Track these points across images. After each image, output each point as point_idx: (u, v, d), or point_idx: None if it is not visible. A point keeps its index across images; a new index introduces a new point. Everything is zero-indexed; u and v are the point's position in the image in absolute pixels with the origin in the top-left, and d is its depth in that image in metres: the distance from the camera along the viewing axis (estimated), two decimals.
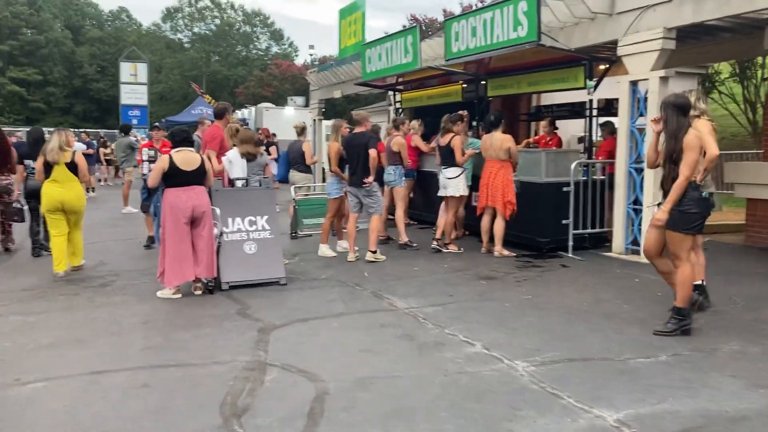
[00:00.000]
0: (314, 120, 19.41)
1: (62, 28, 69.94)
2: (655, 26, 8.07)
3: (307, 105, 27.49)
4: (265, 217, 7.22)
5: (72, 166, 7.72)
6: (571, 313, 5.85)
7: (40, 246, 9.02)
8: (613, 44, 8.82)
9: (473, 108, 11.08)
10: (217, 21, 74.63)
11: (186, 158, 6.54)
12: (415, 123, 11.11)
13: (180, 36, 74.52)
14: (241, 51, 75.29)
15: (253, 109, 27.71)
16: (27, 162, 8.90)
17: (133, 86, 39.06)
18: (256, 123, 26.31)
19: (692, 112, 5.51)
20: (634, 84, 8.51)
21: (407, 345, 5.02)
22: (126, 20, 80.00)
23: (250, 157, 8.27)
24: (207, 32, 74.07)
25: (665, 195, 5.21)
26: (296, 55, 74.55)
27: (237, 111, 29.06)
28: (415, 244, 9.53)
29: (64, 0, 74.02)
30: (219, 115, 8.68)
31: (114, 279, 7.54)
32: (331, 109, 29.29)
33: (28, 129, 24.03)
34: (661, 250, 5.31)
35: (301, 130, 10.51)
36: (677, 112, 5.08)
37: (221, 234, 6.87)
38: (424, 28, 32.57)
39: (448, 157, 8.99)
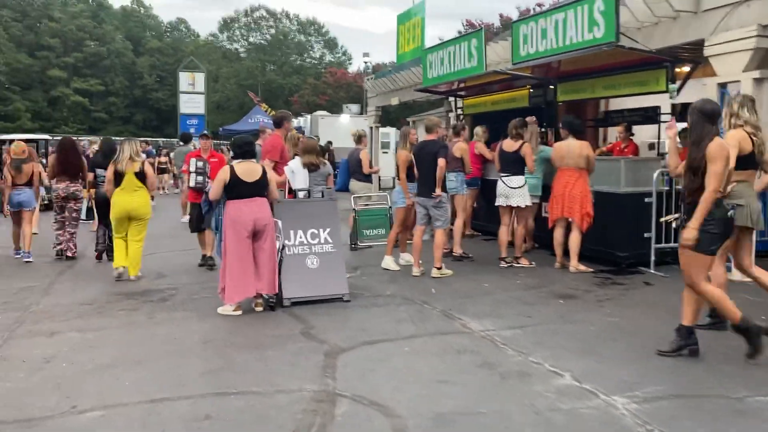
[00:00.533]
0: (371, 127, 19.13)
1: (123, 40, 71.92)
2: (749, 23, 7.42)
3: (362, 112, 27.33)
4: (328, 230, 6.88)
5: (140, 175, 7.98)
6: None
7: (104, 249, 9.18)
8: (697, 45, 8.19)
9: (540, 113, 10.55)
10: (272, 31, 75.58)
11: (248, 169, 6.25)
12: (479, 129, 10.63)
13: (236, 46, 75.75)
14: (295, 60, 76.05)
15: (308, 117, 27.66)
16: (98, 171, 9.09)
17: (191, 95, 39.69)
18: (312, 131, 26.23)
19: (734, 120, 5.19)
20: (722, 86, 7.86)
21: (488, 375, 4.56)
22: (184, 31, 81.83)
23: (312, 167, 7.98)
24: (262, 42, 75.08)
25: (686, 209, 4.72)
26: (350, 63, 74.88)
27: (293, 119, 29.05)
28: (470, 256, 9.06)
29: (125, 12, 76.20)
30: (278, 123, 8.41)
31: (173, 293, 7.32)
32: (385, 117, 29.04)
33: (90, 138, 24.38)
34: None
35: (359, 138, 10.17)
36: (703, 118, 4.63)
37: (283, 247, 6.56)
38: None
39: (512, 165, 8.50)
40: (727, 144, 4.73)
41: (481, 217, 11.11)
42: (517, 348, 5.10)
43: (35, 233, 9.98)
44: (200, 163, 8.51)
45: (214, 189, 6.27)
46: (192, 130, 38.76)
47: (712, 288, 4.74)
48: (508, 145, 8.57)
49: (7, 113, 60.95)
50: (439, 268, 7.86)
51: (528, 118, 9.08)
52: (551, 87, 10.76)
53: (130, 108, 69.23)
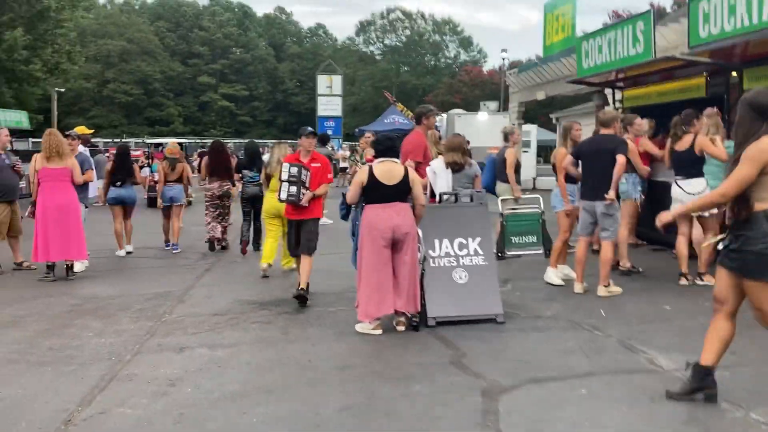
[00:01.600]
0: (513, 125, 18.00)
1: (266, 46, 74.88)
2: None
3: (501, 109, 26.16)
4: (478, 240, 6.02)
5: None
6: None
7: (247, 241, 9.90)
8: None
9: (720, 104, 9.04)
10: (408, 32, 75.74)
11: (388, 170, 5.53)
12: (645, 123, 9.30)
13: (372, 48, 76.65)
14: (429, 60, 75.78)
15: (444, 115, 26.85)
16: (244, 171, 9.93)
17: (329, 98, 40.18)
18: (448, 130, 25.41)
19: None
20: None
21: None
22: (323, 36, 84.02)
23: (456, 167, 7.16)
24: (397, 43, 75.43)
25: (734, 224, 3.72)
26: (485, 62, 73.59)
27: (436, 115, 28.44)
28: (640, 270, 7.85)
29: (268, 19, 79.37)
30: (419, 119, 7.65)
31: (309, 302, 6.77)
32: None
33: (236, 141, 25.16)
34: (736, 304, 3.82)
35: (507, 135, 9.18)
36: (752, 113, 3.66)
37: (425, 259, 5.78)
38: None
39: (688, 166, 7.21)
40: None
41: (646, 224, 9.74)
42: (731, 399, 3.97)
43: (181, 226, 10.65)
44: (294, 170, 6.64)
45: (351, 191, 5.61)
46: (329, 132, 39.34)
47: None
48: (680, 142, 7.30)
49: (162, 117, 65.27)
50: (607, 286, 6.76)
51: (707, 110, 7.71)
52: (734, 74, 9.21)
53: (272, 112, 71.93)
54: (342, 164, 22.68)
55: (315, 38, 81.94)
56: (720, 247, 3.91)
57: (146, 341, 5.54)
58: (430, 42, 75.82)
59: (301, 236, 6.69)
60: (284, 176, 6.59)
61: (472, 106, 37.63)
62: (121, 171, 9.93)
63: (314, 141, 7.02)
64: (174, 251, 10.09)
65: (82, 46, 60.67)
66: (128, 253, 9.97)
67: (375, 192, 5.48)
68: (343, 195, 5.75)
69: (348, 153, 20.43)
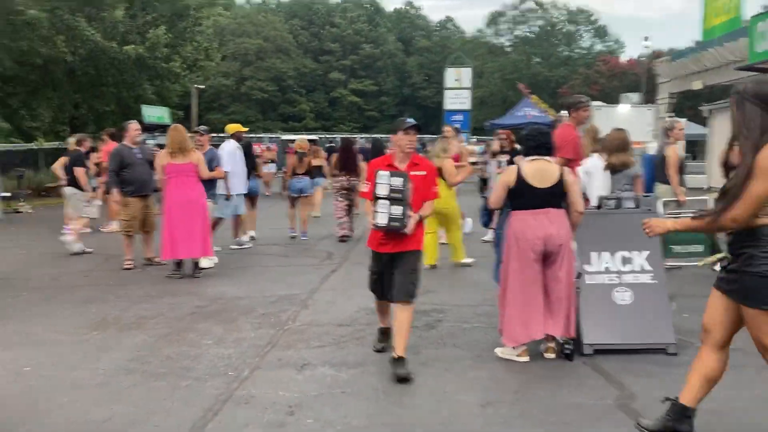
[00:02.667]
0: (673, 118, 16.36)
1: (395, 41, 75.12)
2: None
3: (646, 102, 24.22)
4: (646, 253, 5.07)
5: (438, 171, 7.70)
6: None
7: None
8: None
9: None
10: (540, 22, 73.32)
11: (540, 170, 4.72)
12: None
13: (502, 40, 74.80)
14: (562, 51, 72.94)
15: None
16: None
17: (457, 91, 39.38)
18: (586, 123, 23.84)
19: None
20: None
21: None
22: (452, 29, 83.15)
23: (617, 168, 6.20)
24: (529, 34, 73.21)
25: (730, 245, 3.14)
26: (621, 52, 69.56)
27: (562, 111, 26.97)
28: None
29: (398, 14, 79.63)
30: (568, 110, 6.73)
31: (441, 317, 6.10)
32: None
33: (363, 136, 25.36)
34: (728, 335, 3.29)
35: (666, 131, 8.02)
36: (758, 107, 2.97)
37: (580, 275, 4.92)
38: None
39: None
40: None
41: None
42: None
43: (317, 216, 12.25)
44: (398, 181, 4.49)
45: (495, 194, 4.84)
46: (457, 126, 38.50)
47: None
48: None
49: (294, 113, 67.17)
50: None
51: None
52: None
53: (399, 106, 72.08)
54: (471, 159, 21.84)
55: (444, 31, 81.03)
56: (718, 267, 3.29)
57: (266, 353, 5.11)
58: (563, 32, 72.76)
59: (395, 276, 4.61)
60: (382, 191, 4.47)
61: (609, 98, 35.39)
62: (246, 165, 10.43)
63: (416, 138, 4.73)
64: (302, 238, 10.92)
65: (221, 45, 63.75)
66: (252, 238, 10.71)
67: (524, 196, 4.69)
68: (485, 198, 5.00)
69: (477, 149, 19.50)
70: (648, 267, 5.04)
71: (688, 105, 34.09)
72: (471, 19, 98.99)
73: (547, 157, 4.76)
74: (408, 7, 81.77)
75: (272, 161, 20.19)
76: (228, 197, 9.28)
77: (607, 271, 5.05)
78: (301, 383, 4.45)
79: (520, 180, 4.67)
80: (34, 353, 5.10)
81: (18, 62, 18.76)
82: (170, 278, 8.00)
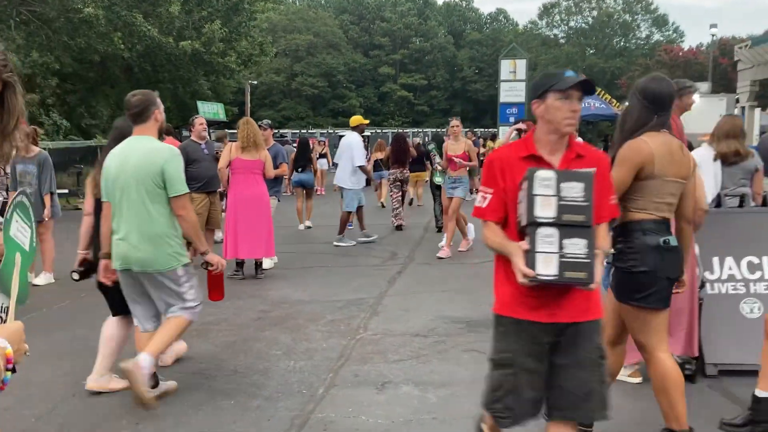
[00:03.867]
0: (743, 108, 15.32)
1: (446, 34, 74.32)
2: None
3: (714, 91, 22.99)
4: None
5: None
6: None
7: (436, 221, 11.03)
8: None
9: None
10: (595, 12, 71.43)
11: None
12: None
13: (556, 32, 73.22)
14: (618, 41, 70.93)
15: None
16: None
17: (512, 83, 38.55)
18: None
19: None
20: None
21: None
22: (503, 21, 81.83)
23: (733, 159, 5.47)
24: (584, 25, 71.43)
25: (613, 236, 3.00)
26: (681, 41, 67.10)
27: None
28: None
29: (448, 7, 78.77)
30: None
31: None
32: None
33: (413, 130, 25.16)
34: (616, 332, 3.24)
35: None
36: (643, 102, 3.09)
37: (702, 285, 4.26)
38: None
39: None
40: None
41: None
42: None
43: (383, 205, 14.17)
44: (574, 189, 2.39)
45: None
46: (511, 120, 37.65)
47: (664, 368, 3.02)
48: None
49: (344, 109, 67.05)
50: None
51: None
52: None
53: (450, 100, 71.22)
54: None
55: (495, 24, 79.69)
56: None
57: (341, 368, 4.62)
58: (619, 22, 70.63)
59: (567, 373, 2.50)
60: (545, 210, 2.38)
61: None
62: (302, 159, 11.52)
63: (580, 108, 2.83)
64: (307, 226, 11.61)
65: (273, 41, 64.14)
66: (308, 227, 11.49)
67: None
68: None
69: None
70: None
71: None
72: (523, 11, 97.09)
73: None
74: (458, 0, 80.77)
75: (322, 155, 19.90)
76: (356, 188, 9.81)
77: (732, 279, 4.38)
78: (384, 406, 3.94)
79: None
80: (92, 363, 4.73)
81: (76, 60, 18.85)
82: (232, 279, 7.61)
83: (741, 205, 4.52)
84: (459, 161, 8.80)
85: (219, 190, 8.30)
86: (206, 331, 5.55)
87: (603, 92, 22.25)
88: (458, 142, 9.06)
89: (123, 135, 3.97)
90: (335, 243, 9.80)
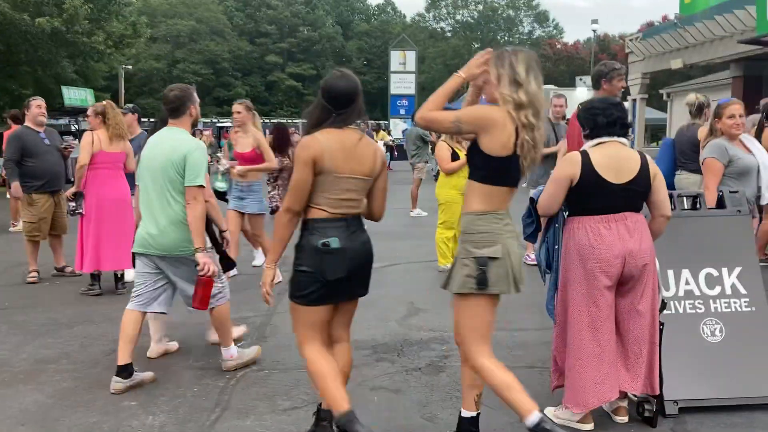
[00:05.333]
0: (633, 100, 15.37)
1: (334, 24, 73.39)
2: None
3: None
4: (737, 270, 3.74)
5: None
6: None
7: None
8: None
9: None
10: (480, 7, 72.96)
11: (615, 158, 3.27)
12: None
13: (442, 25, 74.09)
14: (503, 36, 72.87)
15: None
16: None
17: (402, 75, 38.51)
18: None
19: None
20: None
21: None
22: (391, 13, 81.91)
23: None
24: (470, 19, 72.76)
25: None
26: (561, 37, 69.75)
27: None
28: None
29: None
30: (597, 82, 5.33)
31: (447, 351, 4.66)
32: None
33: (303, 121, 24.43)
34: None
35: (699, 108, 6.75)
36: (321, 101, 3.10)
37: (665, 305, 3.52)
38: None
39: None
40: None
41: None
42: None
43: None
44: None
45: (550, 194, 3.37)
46: (402, 111, 37.25)
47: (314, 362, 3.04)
48: None
49: (229, 98, 64.56)
50: None
51: None
52: None
53: None
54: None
55: (383, 15, 79.59)
56: None
57: (215, 423, 3.53)
58: (503, 17, 72.44)
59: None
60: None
61: (558, 83, 34.78)
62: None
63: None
64: None
65: (152, 27, 60.45)
66: None
67: (593, 195, 3.24)
68: (531, 200, 3.52)
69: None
70: (742, 290, 3.70)
71: (656, 86, 33.71)
72: (411, 4, 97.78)
73: (622, 139, 3.33)
74: None
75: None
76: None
77: (689, 296, 3.70)
78: None
79: (589, 172, 3.22)
80: None
81: None
82: (85, 296, 6.30)
83: (695, 207, 3.83)
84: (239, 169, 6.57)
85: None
86: (38, 372, 4.29)
87: None
88: (246, 135, 6.65)
89: (165, 124, 4.15)
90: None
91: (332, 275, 2.93)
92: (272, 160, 6.59)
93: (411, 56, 39.05)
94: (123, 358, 3.92)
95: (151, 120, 33.90)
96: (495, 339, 4.84)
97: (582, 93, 23.25)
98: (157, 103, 58.30)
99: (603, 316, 3.24)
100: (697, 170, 6.54)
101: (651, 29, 16.04)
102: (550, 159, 7.30)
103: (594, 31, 34.95)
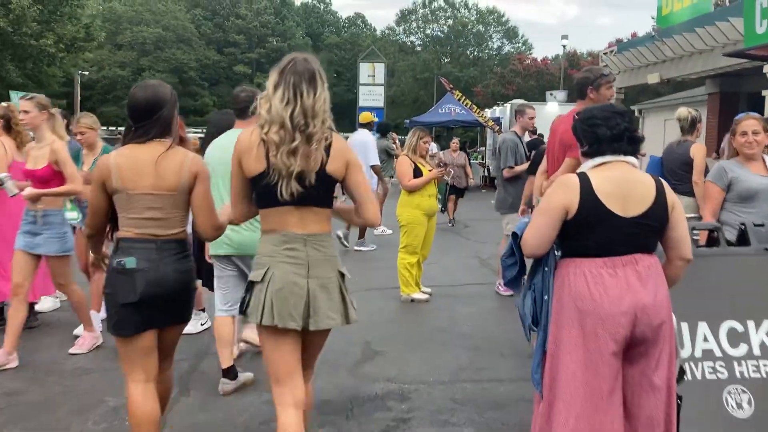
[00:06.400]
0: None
1: (303, 36, 72.87)
2: None
3: (570, 100, 22.98)
4: (767, 324, 2.99)
5: None
6: None
7: None
8: None
9: None
10: (450, 21, 73.17)
11: (622, 184, 2.50)
12: None
13: (413, 39, 74.07)
14: (473, 51, 73.10)
15: (507, 106, 23.74)
16: None
17: (371, 87, 37.95)
18: (511, 123, 22.38)
19: None
20: None
21: None
22: (361, 26, 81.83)
23: None
24: (439, 33, 72.90)
25: None
26: (530, 53, 70.10)
27: (486, 109, 25.49)
28: None
29: (306, 8, 77.33)
30: (582, 91, 4.61)
31: (408, 408, 3.83)
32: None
33: None
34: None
35: (692, 124, 6.09)
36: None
37: (683, 374, 2.76)
38: None
39: None
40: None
41: None
42: None
43: None
44: None
45: (537, 228, 2.58)
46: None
47: None
48: None
49: (196, 107, 63.46)
50: None
51: None
52: None
53: None
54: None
55: (353, 28, 79.26)
56: None
57: None
58: (473, 32, 72.57)
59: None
60: None
61: (527, 98, 34.47)
62: None
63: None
64: None
65: (117, 34, 59.08)
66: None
67: (594, 231, 2.47)
68: (514, 236, 2.71)
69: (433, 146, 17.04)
70: None
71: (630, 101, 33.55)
72: (381, 18, 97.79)
73: (630, 158, 2.57)
74: (316, 2, 79.68)
75: None
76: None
77: (709, 356, 2.94)
78: None
79: (590, 201, 2.45)
80: None
81: None
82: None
83: (712, 244, 3.09)
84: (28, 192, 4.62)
85: None
86: None
87: (464, 98, 21.39)
88: (40, 145, 4.74)
89: (219, 127, 4.30)
90: (356, 247, 9.27)
91: (123, 298, 2.73)
92: (75, 180, 4.64)
93: (380, 68, 38.50)
94: (226, 362, 4.02)
95: (111, 128, 32.74)
96: (463, 393, 4.08)
97: (553, 107, 22.84)
98: (120, 110, 56.94)
99: (606, 391, 2.45)
100: (690, 192, 5.90)
101: (627, 42, 15.56)
102: (520, 180, 6.58)
103: (563, 46, 34.68)
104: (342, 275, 2.63)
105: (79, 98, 25.44)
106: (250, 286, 2.58)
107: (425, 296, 6.39)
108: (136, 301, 2.70)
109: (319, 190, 2.53)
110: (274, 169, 2.48)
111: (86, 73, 27.26)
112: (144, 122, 2.78)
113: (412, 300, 6.30)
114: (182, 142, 3.68)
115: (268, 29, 69.77)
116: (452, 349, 4.94)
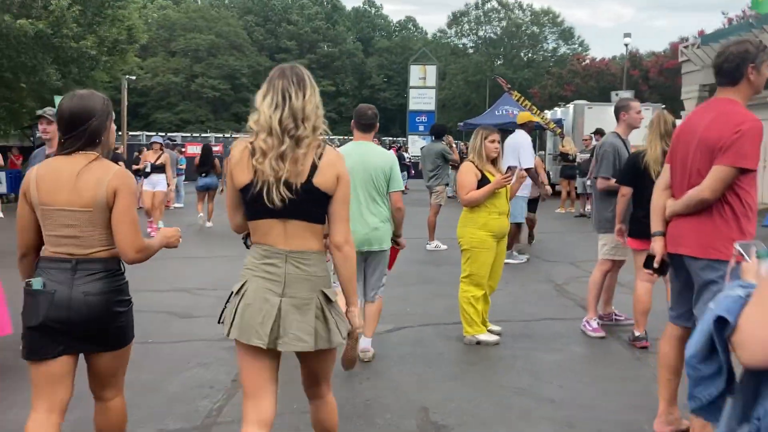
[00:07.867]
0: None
1: (354, 41, 72.62)
2: None
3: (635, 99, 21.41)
4: None
5: None
6: None
7: None
8: None
9: None
10: (504, 23, 71.56)
11: None
12: None
13: (465, 41, 72.79)
14: (527, 53, 71.39)
15: (570, 107, 22.26)
16: None
17: (422, 90, 36.86)
18: (575, 124, 20.94)
19: None
20: None
21: None
22: (412, 29, 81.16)
23: None
24: (492, 35, 71.38)
25: None
26: (586, 54, 67.94)
27: (546, 111, 24.05)
28: None
29: (357, 13, 77.06)
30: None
31: None
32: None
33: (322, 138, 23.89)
34: None
35: None
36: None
37: None
38: None
39: None
40: None
41: None
42: None
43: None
44: None
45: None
46: (420, 128, 35.33)
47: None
48: None
49: (248, 113, 63.60)
50: None
51: None
52: None
53: None
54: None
55: (404, 32, 78.53)
56: None
57: None
58: (527, 33, 70.75)
59: None
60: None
61: (587, 99, 32.81)
62: (206, 164, 12.69)
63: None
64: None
65: (171, 41, 59.60)
66: (208, 227, 12.54)
67: None
68: (720, 321, 1.47)
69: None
70: None
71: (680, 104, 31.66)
72: (432, 22, 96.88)
73: None
74: (367, 6, 79.30)
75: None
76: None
77: None
78: None
79: None
80: None
81: None
82: None
83: None
84: None
85: None
86: None
87: (523, 99, 20.00)
88: None
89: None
90: (506, 260, 7.02)
91: (28, 321, 2.61)
92: None
93: (431, 71, 37.38)
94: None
95: (160, 133, 32.39)
96: None
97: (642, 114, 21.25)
98: (174, 117, 57.32)
99: None
100: None
101: (715, 32, 13.85)
102: (611, 194, 5.28)
103: (626, 45, 32.79)
104: (326, 297, 2.48)
105: (125, 103, 24.98)
106: (229, 296, 2.56)
107: (495, 338, 5.12)
108: (37, 325, 2.55)
109: (306, 203, 2.45)
110: (259, 177, 2.43)
111: (134, 78, 26.83)
112: (71, 134, 2.64)
113: (478, 342, 5.05)
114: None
115: (319, 35, 69.71)
116: (537, 425, 3.66)
